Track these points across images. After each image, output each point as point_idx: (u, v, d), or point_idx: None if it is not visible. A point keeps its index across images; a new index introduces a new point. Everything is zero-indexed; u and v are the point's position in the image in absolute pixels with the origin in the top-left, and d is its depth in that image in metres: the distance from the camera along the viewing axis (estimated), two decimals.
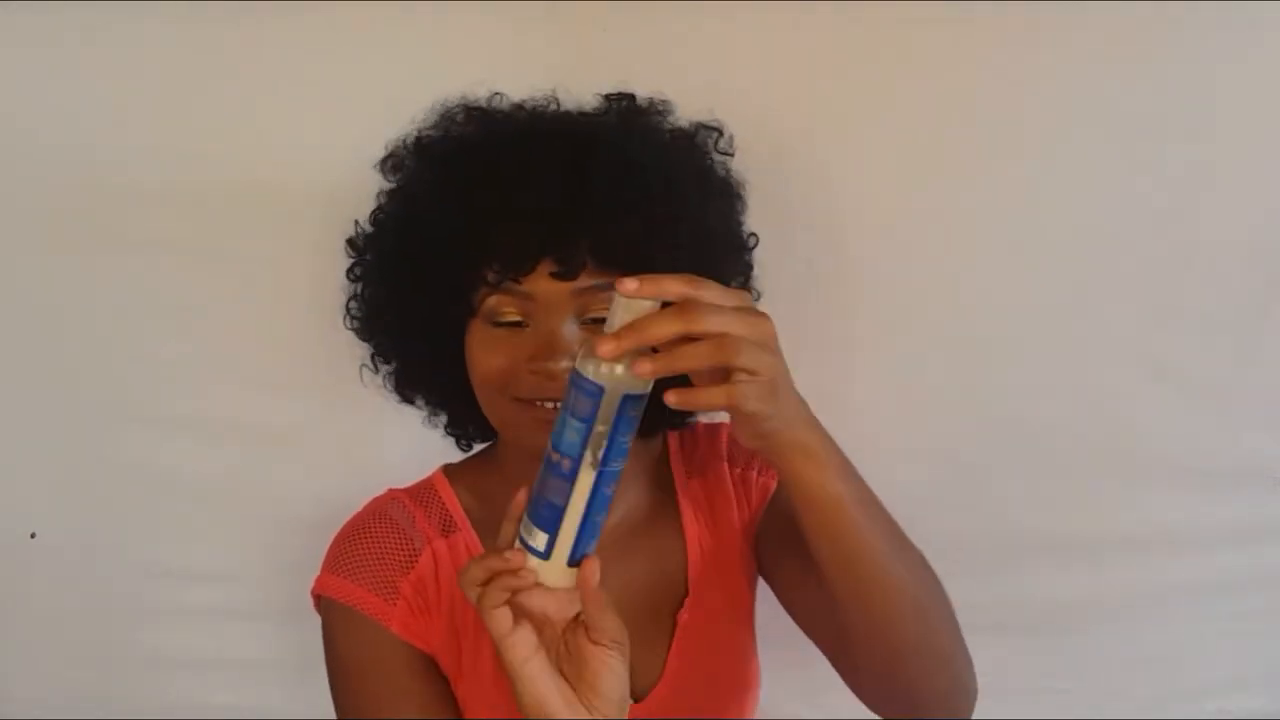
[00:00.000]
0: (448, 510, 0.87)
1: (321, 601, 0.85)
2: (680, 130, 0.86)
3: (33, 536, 1.09)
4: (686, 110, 0.87)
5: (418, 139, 0.85)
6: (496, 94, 0.87)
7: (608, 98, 0.86)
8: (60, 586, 1.11)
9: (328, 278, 0.93)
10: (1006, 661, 1.11)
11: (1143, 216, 1.00)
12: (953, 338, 1.04)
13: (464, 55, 0.97)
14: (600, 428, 0.62)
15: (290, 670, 1.09)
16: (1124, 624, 1.11)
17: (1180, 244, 1.01)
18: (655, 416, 0.85)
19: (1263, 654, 1.13)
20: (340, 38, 0.97)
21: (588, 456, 0.63)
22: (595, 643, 0.68)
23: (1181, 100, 0.98)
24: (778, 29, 0.97)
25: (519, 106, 0.86)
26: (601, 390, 0.61)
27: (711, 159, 0.85)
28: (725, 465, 0.91)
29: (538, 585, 0.67)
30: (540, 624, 0.69)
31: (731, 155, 0.87)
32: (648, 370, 0.58)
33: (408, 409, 0.92)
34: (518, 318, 0.77)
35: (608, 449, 0.63)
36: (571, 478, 0.64)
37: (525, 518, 0.67)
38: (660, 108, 0.86)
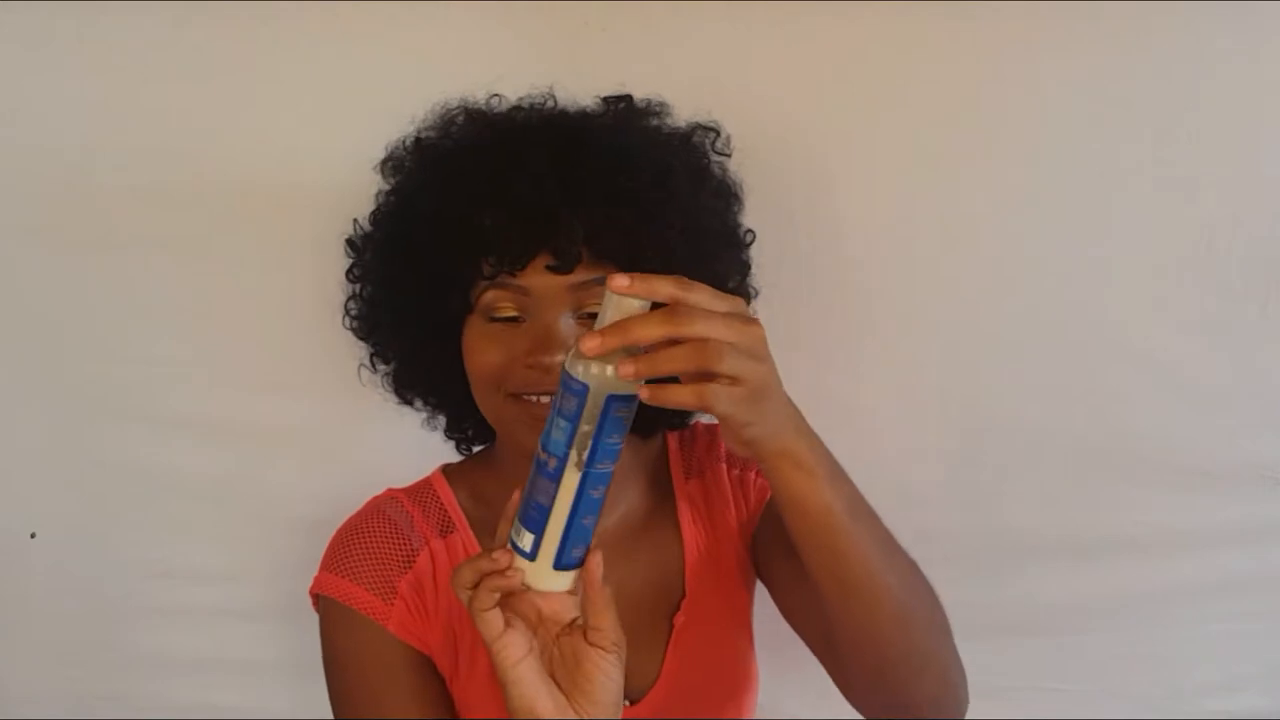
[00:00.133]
0: (446, 510, 0.87)
1: (319, 600, 0.85)
2: (677, 130, 0.86)
3: (33, 536, 1.09)
4: (685, 110, 0.88)
5: (417, 139, 0.86)
6: (495, 95, 0.88)
7: (605, 99, 0.86)
8: (60, 586, 1.11)
9: (327, 278, 0.93)
10: (1006, 661, 1.11)
11: (1143, 216, 1.00)
12: (953, 338, 1.04)
13: (463, 55, 0.97)
14: (585, 427, 0.62)
15: (290, 670, 1.09)
16: (1124, 624, 1.11)
17: (1180, 244, 1.01)
18: (653, 417, 0.86)
19: (1263, 654, 1.13)
20: (339, 38, 0.97)
21: (573, 456, 0.63)
22: (593, 645, 0.68)
23: (1182, 100, 0.98)
24: (777, 29, 0.97)
25: (516, 107, 0.86)
26: (586, 389, 0.61)
27: (709, 159, 0.85)
28: (723, 466, 0.91)
29: (525, 588, 0.67)
30: (533, 626, 0.69)
31: (729, 155, 0.87)
32: (629, 372, 0.58)
33: (408, 409, 0.92)
34: (514, 313, 0.77)
35: (593, 450, 0.62)
36: (557, 478, 0.63)
37: (515, 518, 0.67)
38: (657, 109, 0.86)
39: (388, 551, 0.84)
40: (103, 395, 1.05)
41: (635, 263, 0.76)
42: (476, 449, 0.93)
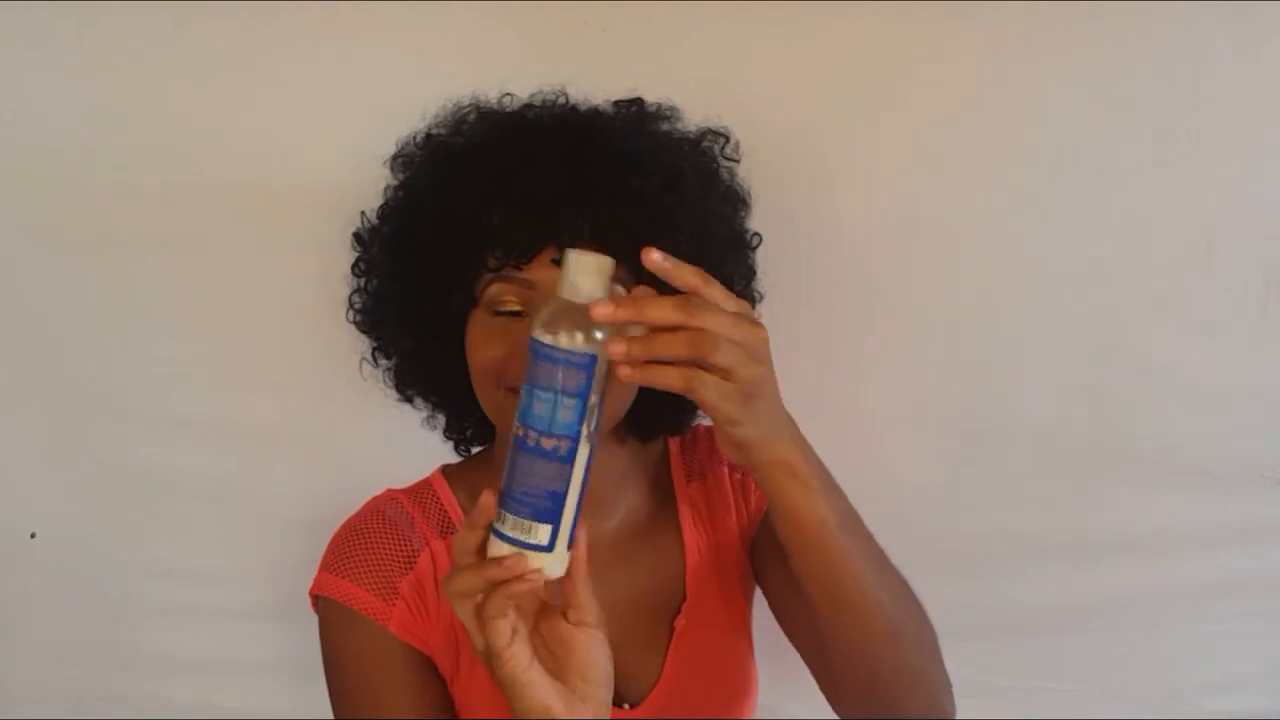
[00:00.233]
0: (446, 511, 0.87)
1: (319, 601, 0.85)
2: (687, 134, 0.86)
3: (33, 536, 1.09)
4: (684, 110, 0.87)
5: (428, 135, 0.86)
6: (507, 94, 0.87)
7: (617, 102, 0.86)
8: (60, 586, 1.11)
9: (327, 277, 0.93)
10: (1006, 661, 1.11)
11: (1143, 216, 1.00)
12: (953, 338, 1.04)
13: (463, 55, 0.97)
14: (594, 399, 0.61)
15: (290, 670, 1.09)
16: (1124, 624, 1.11)
17: (1180, 244, 1.01)
18: (653, 421, 0.86)
19: (1263, 654, 1.13)
20: (339, 38, 0.97)
21: (584, 432, 0.61)
22: (578, 624, 0.67)
23: (1182, 100, 0.98)
24: (777, 29, 0.97)
25: (528, 105, 0.86)
26: (594, 359, 0.60)
27: (718, 163, 0.86)
28: (725, 469, 0.91)
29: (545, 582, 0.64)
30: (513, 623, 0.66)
31: (737, 161, 0.87)
32: (621, 351, 0.58)
33: (408, 409, 0.92)
34: (518, 307, 0.77)
35: (598, 419, 0.61)
36: (570, 458, 0.61)
37: (512, 516, 0.62)
38: (668, 113, 0.86)
39: (388, 552, 0.83)
40: (103, 395, 1.05)
41: (640, 260, 0.77)
42: (475, 450, 0.93)
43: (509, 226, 0.75)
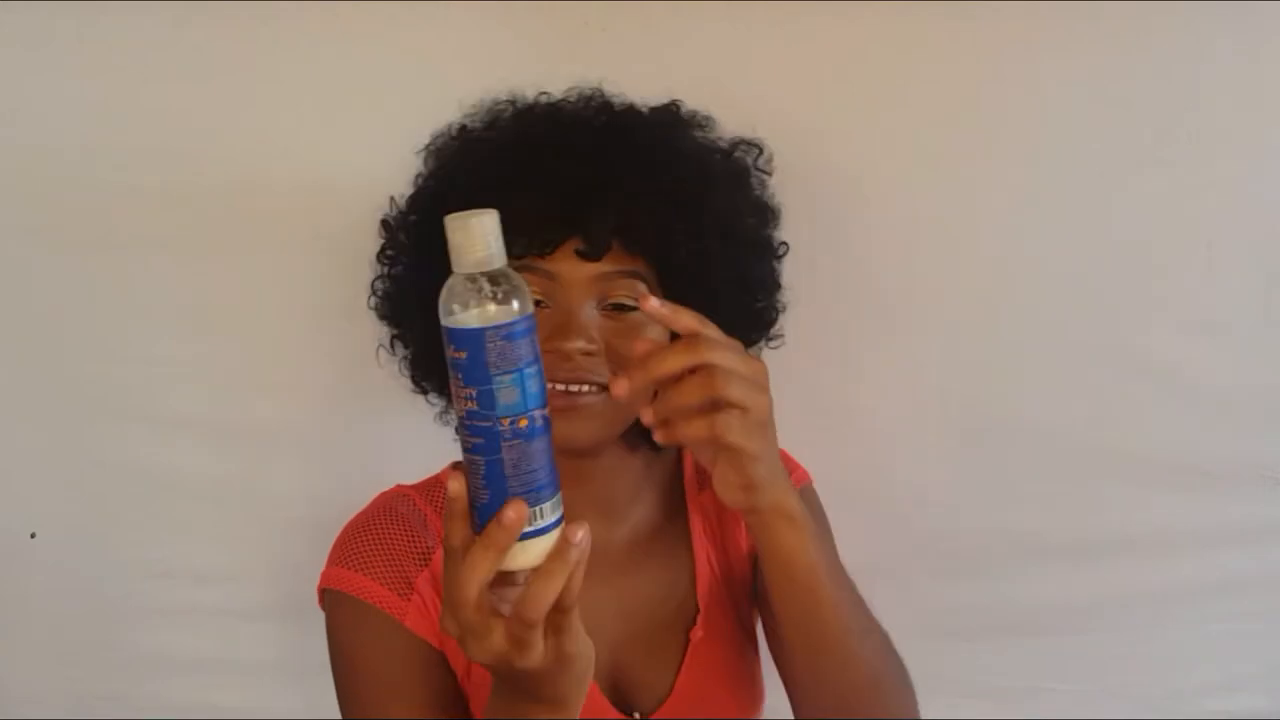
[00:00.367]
0: None
1: (330, 595, 0.82)
2: (720, 141, 0.86)
3: (33, 536, 1.09)
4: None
5: (462, 127, 0.86)
6: (543, 93, 0.87)
7: (653, 107, 0.86)
8: (60, 586, 1.11)
9: (328, 277, 0.93)
10: (1006, 661, 1.11)
11: (1143, 216, 1.00)
12: (953, 338, 1.04)
13: (463, 55, 0.97)
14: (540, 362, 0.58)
15: (290, 670, 1.09)
16: (1124, 624, 1.11)
17: (1180, 244, 1.01)
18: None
19: (1263, 654, 1.13)
20: (340, 38, 0.97)
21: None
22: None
23: (1182, 100, 0.98)
24: (777, 29, 0.97)
25: (563, 100, 0.86)
26: (532, 323, 0.56)
27: (750, 173, 0.86)
28: None
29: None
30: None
31: (769, 174, 0.87)
32: (624, 390, 0.59)
33: (409, 409, 0.92)
34: (539, 297, 0.76)
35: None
36: (549, 424, 0.58)
37: (529, 506, 0.57)
38: (703, 121, 0.86)
39: (402, 546, 0.81)
40: (103, 395, 1.05)
41: (667, 260, 0.77)
42: None
43: (534, 215, 0.74)
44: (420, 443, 0.94)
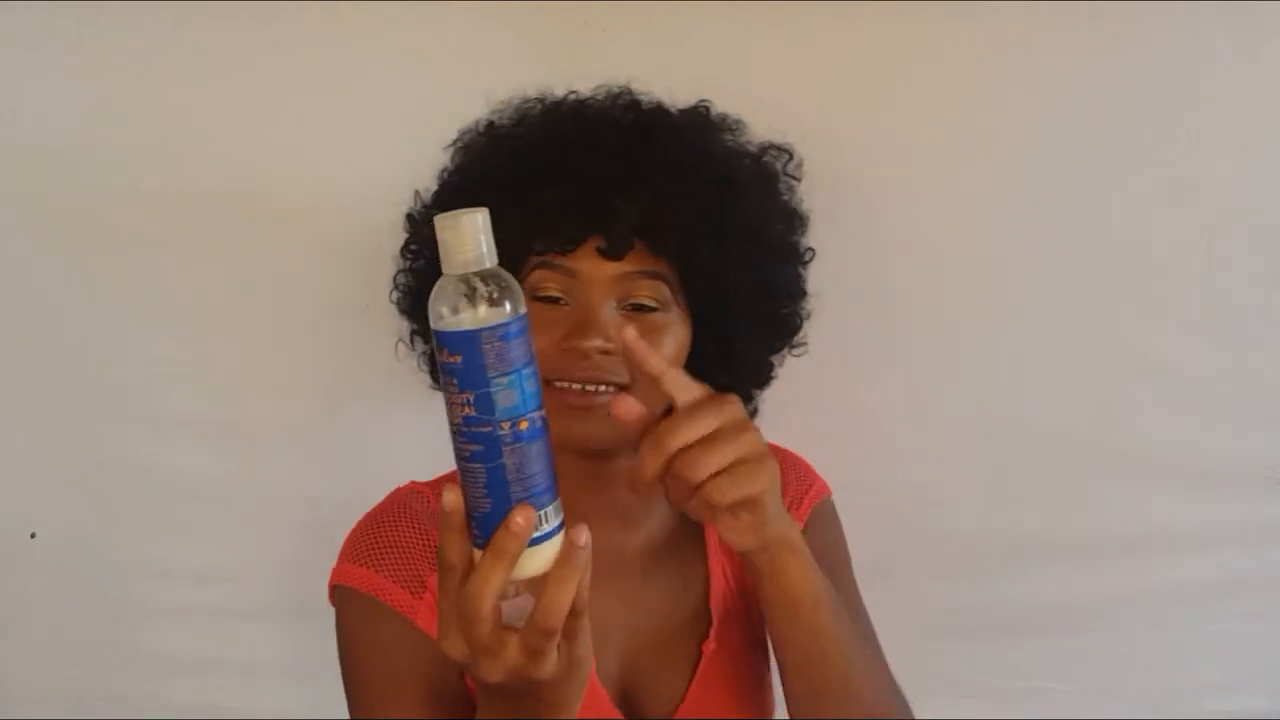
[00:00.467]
0: None
1: (340, 591, 0.81)
2: (749, 144, 0.85)
3: (33, 536, 1.09)
4: None
5: (489, 123, 0.85)
6: (572, 92, 0.87)
7: (682, 110, 0.86)
8: (60, 586, 1.10)
9: (328, 277, 0.93)
10: (1006, 661, 1.11)
11: (1143, 216, 1.00)
12: (953, 338, 1.04)
13: (463, 55, 0.97)
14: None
15: (290, 671, 1.09)
16: (1124, 624, 1.11)
17: (1180, 244, 1.01)
18: None
19: (1263, 654, 1.13)
20: (339, 38, 0.97)
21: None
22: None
23: (1182, 100, 0.98)
24: (777, 29, 0.97)
25: (591, 98, 0.85)
26: (525, 323, 0.55)
27: (778, 177, 0.85)
28: None
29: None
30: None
31: (798, 180, 0.87)
32: (628, 411, 0.62)
33: (409, 409, 0.92)
34: (558, 294, 0.76)
35: None
36: (546, 426, 0.56)
37: (535, 511, 0.55)
38: (733, 125, 0.85)
39: (416, 544, 0.80)
40: (103, 395, 1.05)
41: (689, 262, 0.76)
42: None
43: (558, 211, 0.74)
44: (421, 443, 0.93)
